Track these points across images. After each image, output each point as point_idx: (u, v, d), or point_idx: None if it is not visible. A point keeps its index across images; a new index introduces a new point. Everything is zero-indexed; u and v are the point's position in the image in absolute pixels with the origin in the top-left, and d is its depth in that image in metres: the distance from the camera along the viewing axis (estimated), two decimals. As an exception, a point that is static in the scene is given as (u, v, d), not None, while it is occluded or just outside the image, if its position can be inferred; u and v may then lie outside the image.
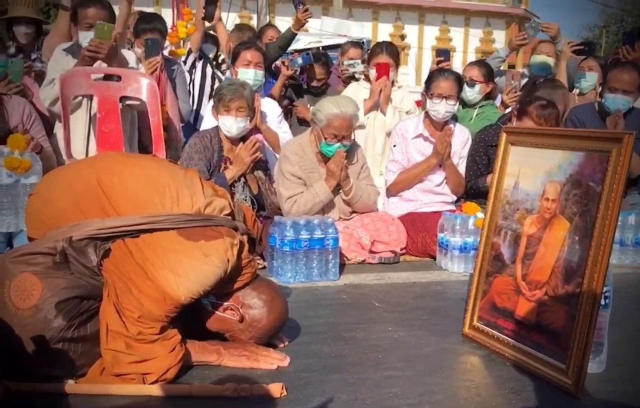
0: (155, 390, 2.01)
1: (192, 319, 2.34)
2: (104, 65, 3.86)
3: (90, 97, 3.91)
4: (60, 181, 2.27)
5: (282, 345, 2.45)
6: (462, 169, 4.41)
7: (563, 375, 2.13)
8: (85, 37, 3.93)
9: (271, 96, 5.12)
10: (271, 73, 5.46)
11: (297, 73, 5.55)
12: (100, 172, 2.23)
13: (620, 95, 4.48)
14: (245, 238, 2.28)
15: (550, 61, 5.49)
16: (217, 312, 2.27)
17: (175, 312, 2.08)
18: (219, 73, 5.43)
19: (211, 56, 5.67)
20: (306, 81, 5.52)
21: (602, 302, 2.15)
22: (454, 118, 4.65)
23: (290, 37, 5.51)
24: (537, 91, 4.66)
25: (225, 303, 2.25)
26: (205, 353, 2.24)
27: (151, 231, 2.10)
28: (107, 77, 3.89)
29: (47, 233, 2.15)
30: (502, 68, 6.05)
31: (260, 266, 3.64)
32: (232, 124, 3.94)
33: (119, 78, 3.88)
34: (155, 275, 2.03)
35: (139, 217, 2.12)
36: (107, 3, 4.10)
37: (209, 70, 5.32)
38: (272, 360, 2.26)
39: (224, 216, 2.30)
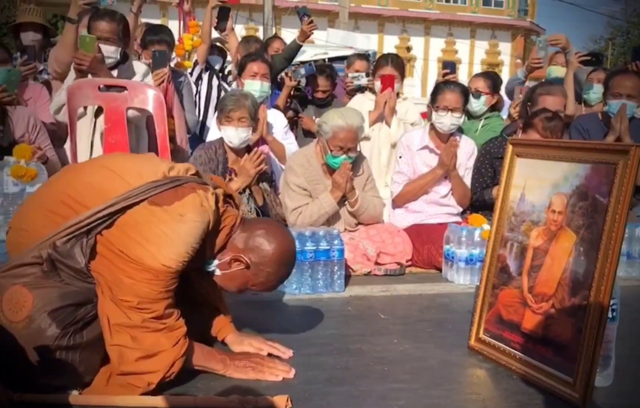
0: (160, 402, 2.01)
1: (207, 316, 2.39)
2: (92, 76, 3.88)
3: (97, 109, 3.93)
4: (31, 207, 2.26)
5: (287, 357, 2.44)
6: (467, 180, 4.40)
7: (570, 389, 2.11)
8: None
9: (277, 107, 5.13)
10: (277, 85, 5.48)
11: (302, 84, 5.57)
12: (64, 182, 2.25)
13: (625, 100, 4.47)
14: (219, 190, 2.26)
15: (564, 71, 5.49)
16: (225, 272, 2.25)
17: (172, 283, 2.06)
18: (225, 85, 5.45)
19: (217, 67, 5.68)
20: (311, 92, 5.53)
21: (610, 315, 2.14)
22: (460, 130, 4.65)
23: (295, 48, 5.53)
24: (535, 91, 4.66)
25: (226, 258, 2.24)
26: (211, 359, 2.23)
27: (124, 209, 2.06)
28: (112, 88, 3.91)
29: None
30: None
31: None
32: (233, 135, 3.95)
33: (123, 89, 3.89)
34: (139, 255, 2.00)
35: (110, 200, 2.09)
36: (120, 16, 4.13)
37: (215, 81, 5.34)
38: (278, 371, 2.25)
39: (190, 175, 2.28)
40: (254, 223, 2.35)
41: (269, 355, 2.42)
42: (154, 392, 2.04)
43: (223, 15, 5.41)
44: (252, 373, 2.24)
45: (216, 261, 2.25)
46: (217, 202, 2.18)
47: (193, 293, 2.45)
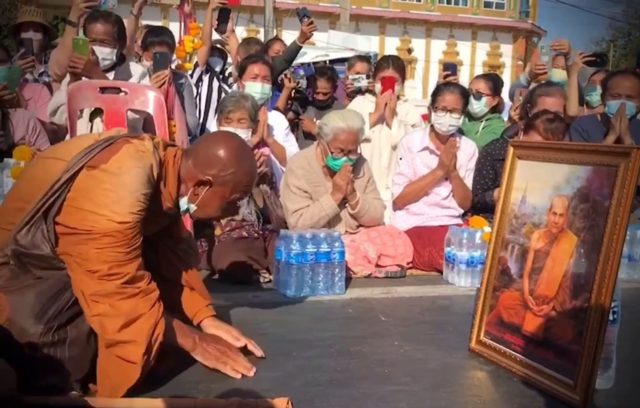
0: (160, 404, 2.01)
1: (180, 295, 2.41)
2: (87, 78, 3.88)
3: (92, 112, 3.92)
4: None
5: (259, 355, 2.40)
6: (468, 182, 4.39)
7: (571, 391, 2.11)
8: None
9: (277, 109, 5.13)
10: (278, 86, 5.48)
11: (303, 86, 5.56)
12: (13, 190, 2.27)
13: (624, 100, 4.46)
14: (157, 138, 2.26)
15: (565, 73, 5.49)
16: (197, 203, 2.24)
17: (136, 239, 2.04)
18: (225, 87, 5.44)
19: (218, 69, 5.68)
20: (312, 94, 5.53)
21: (611, 317, 2.13)
22: (460, 131, 4.65)
23: (295, 49, 5.53)
24: (535, 93, 4.67)
25: (191, 190, 2.23)
26: (182, 335, 2.23)
27: (67, 184, 2.04)
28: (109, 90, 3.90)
29: None
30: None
31: (266, 280, 3.65)
32: (232, 136, 3.94)
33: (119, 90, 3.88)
34: (94, 224, 1.99)
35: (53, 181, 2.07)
36: (116, 17, 4.12)
37: (215, 83, 5.34)
38: (239, 367, 2.25)
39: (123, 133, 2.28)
40: (194, 144, 2.34)
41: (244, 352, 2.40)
42: (154, 388, 2.04)
43: (223, 18, 5.41)
44: (215, 361, 2.24)
45: (185, 199, 2.24)
46: (156, 147, 2.17)
47: (164, 271, 2.44)
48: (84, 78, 3.82)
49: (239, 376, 2.23)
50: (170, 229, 2.50)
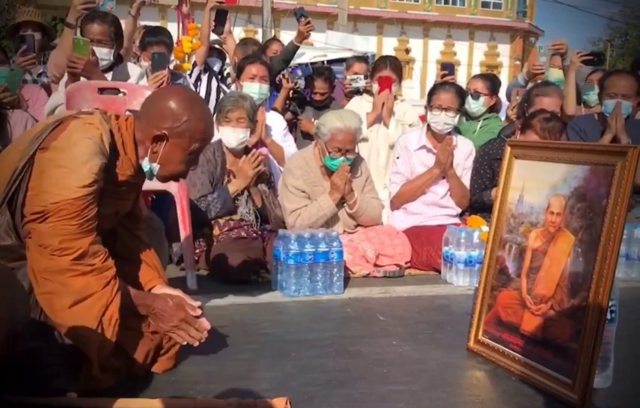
0: (159, 405, 2.01)
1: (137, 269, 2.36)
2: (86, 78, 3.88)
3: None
4: None
5: (198, 312, 2.30)
6: (466, 180, 4.40)
7: (569, 390, 2.11)
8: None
9: (275, 110, 5.13)
10: (276, 87, 5.48)
11: (301, 86, 5.56)
12: None
13: (620, 100, 4.48)
14: (110, 113, 2.25)
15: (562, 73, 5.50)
16: (159, 161, 2.21)
17: (88, 211, 2.01)
18: (224, 87, 5.44)
19: (216, 69, 5.68)
20: (309, 94, 5.54)
21: (608, 316, 2.14)
22: (457, 131, 4.66)
23: (292, 50, 5.53)
24: (532, 92, 4.69)
25: (150, 149, 2.21)
26: (137, 302, 2.22)
27: (24, 170, 2.02)
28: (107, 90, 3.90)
29: None
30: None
31: (265, 280, 3.65)
32: (231, 135, 3.95)
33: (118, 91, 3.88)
34: (46, 201, 1.96)
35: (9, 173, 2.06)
36: (113, 18, 4.12)
37: (214, 83, 5.34)
38: (188, 338, 2.23)
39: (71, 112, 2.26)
40: (144, 104, 2.30)
41: None
42: (153, 389, 2.05)
43: (220, 19, 5.41)
44: (166, 328, 2.23)
45: (146, 159, 2.22)
46: (107, 120, 2.16)
47: (119, 250, 2.39)
48: (82, 78, 3.82)
49: (183, 343, 2.23)
50: (130, 211, 2.46)
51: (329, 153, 3.93)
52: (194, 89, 5.16)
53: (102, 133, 2.09)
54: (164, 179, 2.31)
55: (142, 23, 5.69)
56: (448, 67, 5.49)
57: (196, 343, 2.25)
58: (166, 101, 2.20)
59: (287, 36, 6.18)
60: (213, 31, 5.35)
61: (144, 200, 3.84)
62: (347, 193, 3.98)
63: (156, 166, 2.23)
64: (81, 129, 2.07)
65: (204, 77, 5.29)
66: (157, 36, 4.73)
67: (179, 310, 2.25)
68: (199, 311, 2.29)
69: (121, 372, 2.18)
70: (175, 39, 5.27)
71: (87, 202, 2.00)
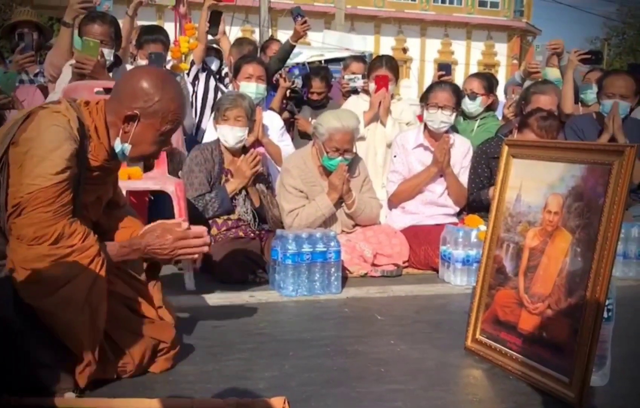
0: (157, 405, 2.01)
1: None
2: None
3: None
4: None
5: (185, 225, 2.31)
6: (463, 179, 4.40)
7: (566, 389, 2.11)
8: None
9: (272, 109, 5.13)
10: (273, 86, 5.48)
11: (299, 86, 5.57)
12: None
13: (618, 100, 4.49)
14: (80, 99, 2.24)
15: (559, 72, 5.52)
16: (130, 141, 2.21)
17: (64, 197, 2.01)
18: (222, 86, 5.44)
19: (214, 68, 5.67)
20: (307, 94, 5.54)
21: (605, 315, 2.14)
22: (455, 129, 4.66)
23: (289, 49, 5.53)
24: (529, 91, 4.71)
25: (122, 129, 2.20)
26: (128, 252, 2.25)
27: (1, 168, 2.02)
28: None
29: None
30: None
31: (263, 280, 3.65)
32: (229, 134, 3.95)
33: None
34: (21, 193, 1.96)
35: None
36: (112, 18, 4.13)
37: (212, 82, 5.33)
38: (193, 249, 2.27)
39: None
40: (116, 84, 2.30)
41: None
42: (151, 389, 2.05)
43: (214, 20, 5.41)
44: (168, 258, 2.27)
45: (117, 140, 2.21)
46: (75, 107, 2.16)
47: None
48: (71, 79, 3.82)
49: (197, 255, 2.27)
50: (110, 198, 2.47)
51: (327, 152, 3.94)
52: (191, 88, 5.16)
53: (69, 119, 2.09)
54: (135, 160, 2.32)
55: (140, 23, 5.69)
56: (445, 68, 5.50)
57: (205, 249, 2.28)
58: (138, 80, 2.20)
59: (284, 36, 6.17)
60: (207, 32, 5.34)
61: (141, 200, 3.85)
62: (345, 193, 3.98)
63: (128, 146, 2.23)
64: (48, 118, 2.07)
65: (202, 76, 5.28)
66: (153, 35, 4.72)
67: (167, 233, 2.27)
68: (185, 224, 2.31)
69: (110, 364, 2.16)
70: (172, 39, 5.26)
71: (61, 188, 2.00)
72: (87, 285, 2.01)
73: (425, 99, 4.44)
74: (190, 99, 5.13)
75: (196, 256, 2.32)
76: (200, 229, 2.32)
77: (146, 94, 2.18)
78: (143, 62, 4.49)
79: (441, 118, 4.27)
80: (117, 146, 2.23)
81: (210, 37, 5.52)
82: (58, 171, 1.99)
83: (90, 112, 2.22)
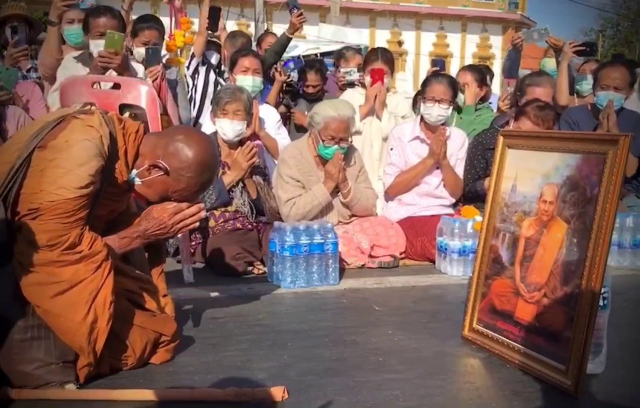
0: (157, 395, 2.02)
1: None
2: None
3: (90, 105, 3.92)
4: None
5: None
6: (459, 170, 4.42)
7: (562, 376, 2.14)
8: (97, 46, 3.95)
9: (268, 103, 5.13)
10: (269, 79, 5.48)
11: (295, 79, 5.57)
12: None
13: (612, 92, 4.51)
14: (111, 113, 2.25)
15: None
16: (145, 179, 2.24)
17: (81, 210, 2.03)
18: (221, 80, 5.43)
19: (214, 61, 5.66)
20: (302, 87, 5.54)
21: (601, 303, 2.16)
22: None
23: (284, 42, 5.53)
24: (525, 80, 4.75)
25: (145, 165, 2.22)
26: (128, 243, 2.27)
27: (22, 168, 2.03)
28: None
29: None
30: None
31: (260, 272, 3.67)
32: (228, 127, 3.96)
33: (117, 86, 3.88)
34: (41, 200, 1.98)
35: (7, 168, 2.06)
36: (118, 12, 4.15)
37: (212, 76, 5.31)
38: (189, 219, 2.30)
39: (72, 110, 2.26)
40: (173, 129, 2.37)
41: None
42: (151, 380, 2.06)
43: (214, 17, 5.40)
44: (168, 234, 2.30)
45: (135, 170, 2.24)
46: (108, 122, 2.16)
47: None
48: (74, 73, 3.82)
49: (196, 224, 2.31)
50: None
51: (323, 141, 3.95)
52: (191, 81, 5.16)
53: (102, 136, 2.10)
54: (137, 194, 2.34)
55: (134, 17, 5.68)
56: (439, 63, 5.51)
57: (203, 215, 2.32)
58: (190, 147, 2.23)
59: (280, 30, 6.16)
60: (207, 29, 5.33)
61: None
62: (341, 182, 4.00)
63: (139, 182, 2.25)
64: (81, 130, 2.08)
65: (202, 70, 5.26)
66: (148, 22, 4.70)
67: (164, 211, 2.29)
68: (173, 203, 2.33)
69: (104, 359, 2.16)
70: (167, 33, 5.24)
71: (81, 203, 2.03)
72: (93, 289, 2.04)
73: (422, 92, 4.44)
74: (190, 93, 5.13)
75: (197, 224, 2.32)
76: (193, 209, 2.33)
77: (187, 165, 2.22)
78: (139, 49, 4.45)
79: (438, 112, 4.28)
80: (132, 175, 2.25)
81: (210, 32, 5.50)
82: (82, 186, 2.01)
83: (125, 134, 2.23)
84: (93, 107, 2.32)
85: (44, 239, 1.99)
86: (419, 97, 4.51)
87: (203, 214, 2.37)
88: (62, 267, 2.01)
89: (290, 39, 5.54)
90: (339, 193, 4.07)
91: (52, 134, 2.07)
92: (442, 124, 4.35)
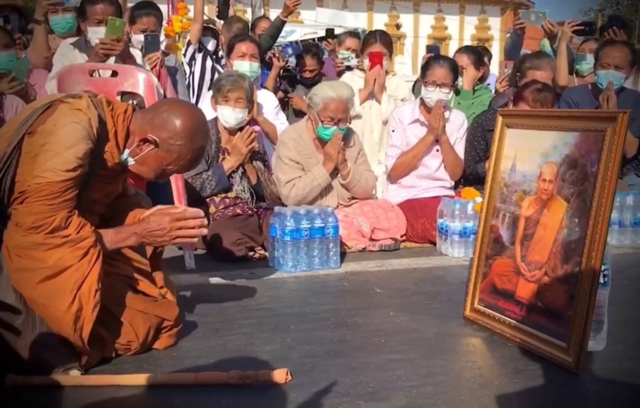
0: (161, 379, 2.04)
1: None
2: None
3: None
4: None
5: (180, 208, 2.38)
6: (459, 150, 4.40)
7: (564, 354, 2.15)
8: (95, 33, 3.93)
9: (266, 88, 5.12)
10: (266, 64, 5.47)
11: (292, 64, 5.56)
12: None
13: (612, 70, 4.51)
14: (101, 96, 2.25)
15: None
16: (137, 157, 2.23)
17: (68, 193, 2.02)
18: (218, 67, 5.42)
19: (210, 48, 5.65)
20: (300, 72, 5.54)
21: (601, 280, 2.17)
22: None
23: (279, 25, 5.52)
24: (524, 62, 4.72)
25: (136, 144, 2.22)
26: (125, 238, 2.25)
27: (12, 156, 2.03)
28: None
29: None
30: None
31: (261, 257, 3.68)
32: (230, 114, 3.95)
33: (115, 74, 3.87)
34: (28, 183, 1.98)
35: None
36: None
37: (208, 63, 5.31)
38: (191, 231, 2.29)
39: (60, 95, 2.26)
40: (157, 103, 2.33)
41: None
42: (155, 364, 2.07)
43: (225, 3, 5.37)
44: (168, 240, 2.28)
45: (127, 150, 2.24)
46: (97, 105, 2.16)
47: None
48: (72, 60, 3.80)
49: (196, 238, 2.30)
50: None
51: (322, 122, 3.95)
52: (188, 68, 5.15)
53: (90, 118, 2.09)
54: (134, 176, 2.33)
55: (130, 5, 5.66)
56: (434, 50, 5.48)
57: (204, 232, 2.31)
58: (176, 116, 2.22)
59: (276, 15, 6.14)
60: (218, 17, 5.31)
61: (140, 179, 3.85)
62: (340, 163, 4.00)
63: (132, 161, 2.25)
64: (68, 114, 2.07)
65: (199, 57, 5.26)
66: (146, 8, 4.68)
67: (164, 216, 2.29)
68: (181, 207, 2.33)
69: (108, 343, 2.18)
70: (165, 18, 5.23)
71: (68, 185, 2.02)
72: (78, 278, 2.03)
73: (423, 75, 4.42)
74: (187, 80, 5.12)
75: (195, 240, 2.33)
76: (197, 210, 2.34)
77: (175, 133, 2.21)
78: (136, 36, 4.44)
79: (439, 96, 4.25)
80: (124, 155, 2.24)
81: (206, 17, 5.49)
82: (69, 168, 2.01)
83: (114, 115, 2.22)
84: (82, 92, 2.31)
85: (29, 221, 1.99)
86: (419, 80, 4.50)
87: (205, 231, 2.35)
88: (47, 251, 2.00)
89: (285, 22, 5.52)
90: (339, 175, 4.07)
91: (40, 120, 2.06)
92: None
